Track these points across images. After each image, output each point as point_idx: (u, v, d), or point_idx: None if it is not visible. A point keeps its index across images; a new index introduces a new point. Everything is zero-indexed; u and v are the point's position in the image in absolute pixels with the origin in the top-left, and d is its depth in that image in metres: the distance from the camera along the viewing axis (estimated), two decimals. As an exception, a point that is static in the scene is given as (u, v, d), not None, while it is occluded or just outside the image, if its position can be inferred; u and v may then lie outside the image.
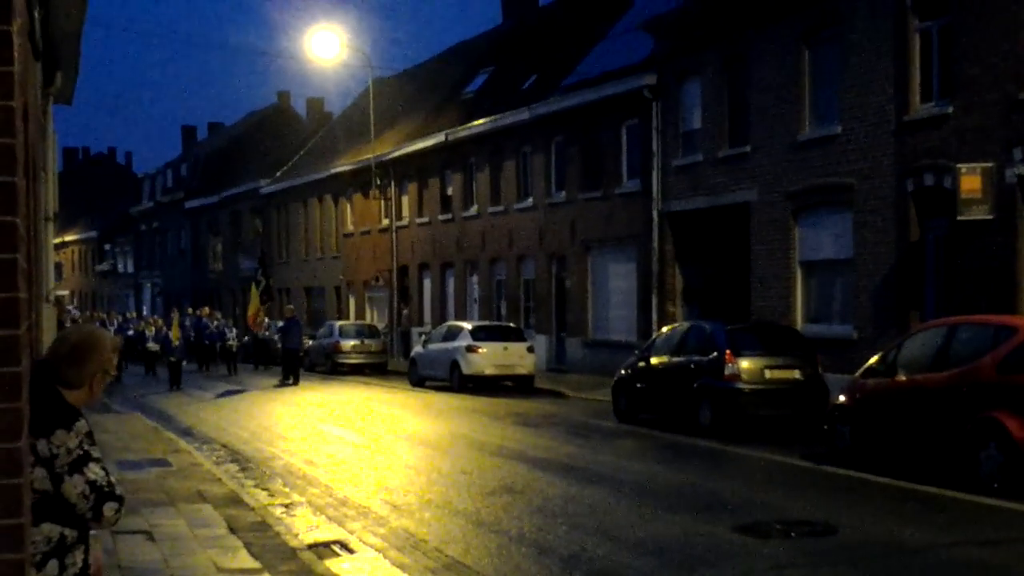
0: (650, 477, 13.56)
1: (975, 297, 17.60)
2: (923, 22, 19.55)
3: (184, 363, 30.23)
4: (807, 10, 22.22)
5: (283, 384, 29.64)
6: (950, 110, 18.70)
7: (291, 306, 37.29)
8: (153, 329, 36.06)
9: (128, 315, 53.46)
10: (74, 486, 3.76)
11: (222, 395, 26.97)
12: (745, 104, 24.19)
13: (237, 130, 69.10)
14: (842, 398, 14.77)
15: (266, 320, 36.16)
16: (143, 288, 73.46)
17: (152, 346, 34.55)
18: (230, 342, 35.54)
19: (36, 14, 8.82)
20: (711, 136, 25.38)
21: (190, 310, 47.34)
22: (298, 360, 30.89)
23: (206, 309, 41.72)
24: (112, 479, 3.86)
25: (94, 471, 3.79)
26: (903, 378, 13.52)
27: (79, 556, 3.93)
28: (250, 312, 35.37)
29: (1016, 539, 9.86)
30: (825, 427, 15.05)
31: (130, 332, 38.91)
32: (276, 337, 34.49)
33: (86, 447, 3.80)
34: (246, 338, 39.05)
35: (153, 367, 34.63)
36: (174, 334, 30.65)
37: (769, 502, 11.64)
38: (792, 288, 22.83)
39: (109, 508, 3.81)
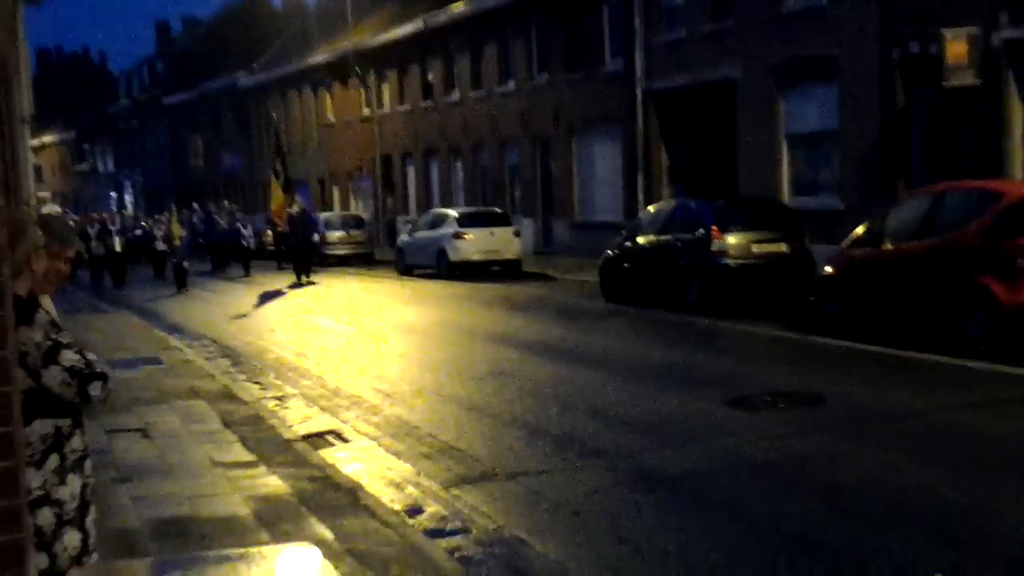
0: (639, 356, 13.63)
1: (962, 164, 17.53)
2: None
3: (186, 263, 27.67)
4: None
5: (297, 285, 27.17)
6: (934, -26, 18.41)
7: (298, 198, 34.56)
8: (163, 227, 33.78)
9: (129, 214, 49.88)
10: (53, 377, 3.74)
11: (223, 294, 26.68)
12: (727, -24, 23.78)
13: (211, 24, 67.87)
14: (828, 269, 14.79)
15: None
16: (124, 187, 72.95)
17: (160, 246, 32.84)
18: (245, 240, 33.54)
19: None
20: (694, 10, 24.98)
21: (196, 205, 46.00)
22: (301, 255, 28.44)
23: (225, 202, 39.22)
24: (90, 358, 3.81)
25: (68, 357, 3.76)
26: (890, 247, 13.53)
27: (77, 441, 3.94)
28: (273, 207, 31.46)
29: (1002, 400, 9.96)
30: (812, 299, 15.10)
31: (138, 232, 37.66)
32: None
33: (53, 336, 3.76)
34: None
35: (162, 268, 32.84)
36: (174, 232, 29.01)
37: (758, 375, 11.73)
38: (778, 162, 22.73)
39: (94, 388, 3.79)
